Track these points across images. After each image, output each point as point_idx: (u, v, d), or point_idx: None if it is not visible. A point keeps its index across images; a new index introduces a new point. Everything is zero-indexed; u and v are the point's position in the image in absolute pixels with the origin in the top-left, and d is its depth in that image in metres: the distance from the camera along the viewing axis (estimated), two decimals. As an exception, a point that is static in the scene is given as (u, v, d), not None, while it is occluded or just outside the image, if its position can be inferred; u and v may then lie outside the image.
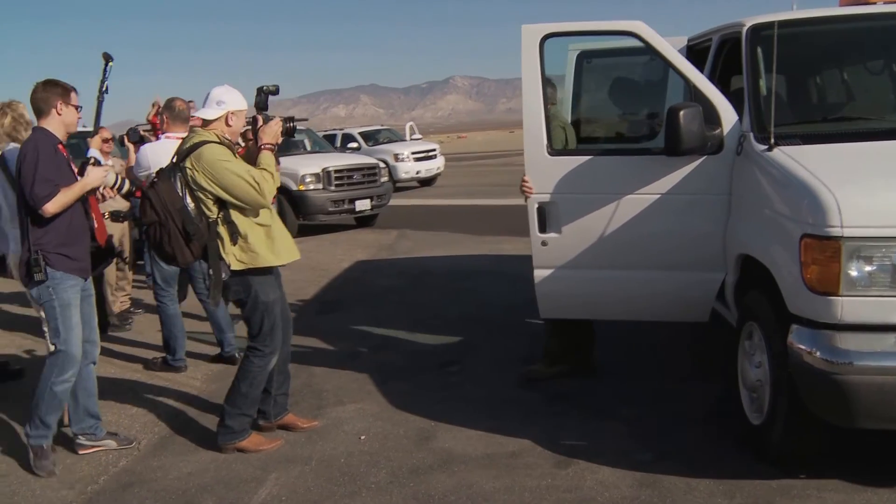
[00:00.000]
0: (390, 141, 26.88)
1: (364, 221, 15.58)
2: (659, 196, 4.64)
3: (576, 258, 4.87)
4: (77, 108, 4.43)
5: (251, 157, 4.53)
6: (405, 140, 27.79)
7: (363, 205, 14.82)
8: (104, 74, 4.86)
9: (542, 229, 4.89)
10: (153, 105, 7.29)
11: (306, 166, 14.26)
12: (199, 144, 4.31)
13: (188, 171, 4.29)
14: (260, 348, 4.52)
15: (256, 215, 4.41)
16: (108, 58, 4.89)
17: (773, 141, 3.98)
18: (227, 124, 4.49)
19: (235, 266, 4.37)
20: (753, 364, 4.09)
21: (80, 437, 4.64)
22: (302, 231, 13.95)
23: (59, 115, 4.36)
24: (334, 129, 27.68)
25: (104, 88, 4.86)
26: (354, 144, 24.19)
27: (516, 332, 6.79)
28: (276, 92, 4.73)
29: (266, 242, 4.42)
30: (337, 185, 14.60)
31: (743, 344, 4.26)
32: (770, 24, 4.42)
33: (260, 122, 4.54)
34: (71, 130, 4.49)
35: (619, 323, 5.93)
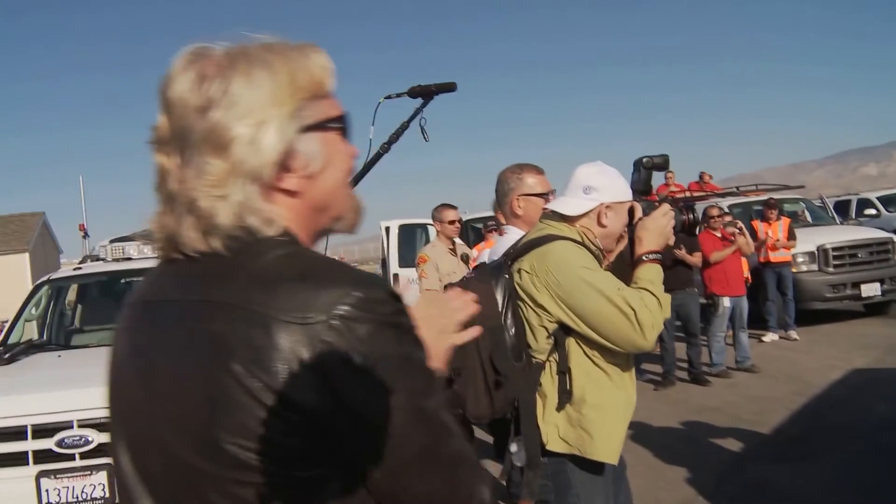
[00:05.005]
0: (921, 206, 22.44)
1: (873, 309, 12.60)
2: None
3: None
4: None
5: (620, 268, 2.88)
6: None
7: (870, 289, 12.00)
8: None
9: None
10: None
11: (799, 243, 11.92)
12: (547, 239, 2.79)
13: (523, 274, 2.77)
14: None
15: (619, 363, 2.78)
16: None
17: None
18: (601, 223, 2.87)
19: (554, 446, 2.74)
20: None
21: None
22: (796, 319, 11.59)
23: None
24: (848, 195, 24.05)
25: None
26: (872, 211, 20.59)
27: None
28: (664, 165, 3.01)
29: (611, 418, 2.73)
30: (836, 266, 12.06)
31: None
32: None
33: (637, 214, 2.86)
34: None
35: None
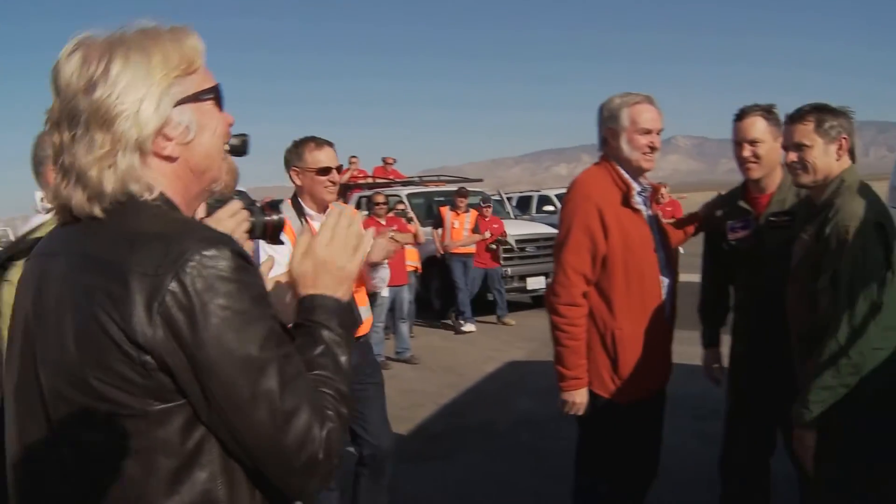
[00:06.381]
0: (592, 204, 24.12)
1: (539, 301, 13.12)
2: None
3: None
4: None
5: None
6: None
7: (536, 283, 12.45)
8: None
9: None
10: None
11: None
12: None
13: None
14: None
15: None
16: None
17: None
18: None
19: None
20: None
21: None
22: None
23: None
24: (531, 191, 25.33)
25: None
26: (550, 208, 21.78)
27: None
28: (241, 148, 2.16)
29: None
30: (506, 259, 12.34)
31: None
32: None
33: (198, 215, 2.08)
34: None
35: None
